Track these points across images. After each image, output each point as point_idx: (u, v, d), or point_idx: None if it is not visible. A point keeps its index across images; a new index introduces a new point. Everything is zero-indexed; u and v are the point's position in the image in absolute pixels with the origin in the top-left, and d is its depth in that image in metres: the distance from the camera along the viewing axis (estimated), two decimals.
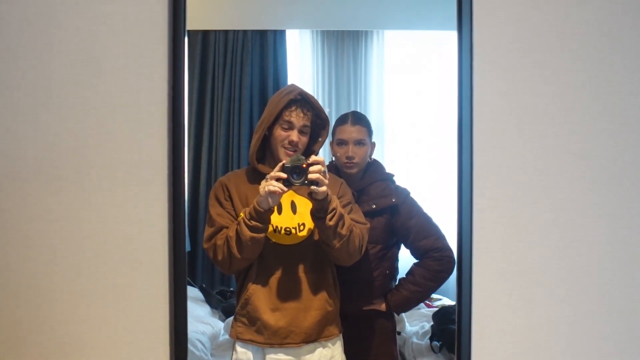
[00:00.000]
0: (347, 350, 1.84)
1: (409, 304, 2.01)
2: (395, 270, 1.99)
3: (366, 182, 1.96)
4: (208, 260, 1.76)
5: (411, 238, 1.95)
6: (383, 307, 1.95)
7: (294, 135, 1.75)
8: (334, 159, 1.98)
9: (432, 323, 2.08)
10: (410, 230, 1.95)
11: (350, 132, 1.95)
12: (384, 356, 1.98)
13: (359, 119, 1.98)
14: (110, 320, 1.61)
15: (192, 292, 2.05)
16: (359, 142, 1.95)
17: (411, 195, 1.96)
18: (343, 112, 2.03)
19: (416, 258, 1.96)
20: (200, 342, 1.93)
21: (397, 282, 1.98)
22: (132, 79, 1.59)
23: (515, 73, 1.59)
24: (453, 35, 1.59)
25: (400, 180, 1.99)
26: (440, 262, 1.92)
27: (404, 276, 1.97)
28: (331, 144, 1.98)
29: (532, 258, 1.60)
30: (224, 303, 2.09)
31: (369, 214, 1.87)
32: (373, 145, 1.99)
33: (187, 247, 1.75)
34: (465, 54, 1.57)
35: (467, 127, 1.57)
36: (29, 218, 1.60)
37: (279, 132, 1.76)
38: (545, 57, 1.59)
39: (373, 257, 1.92)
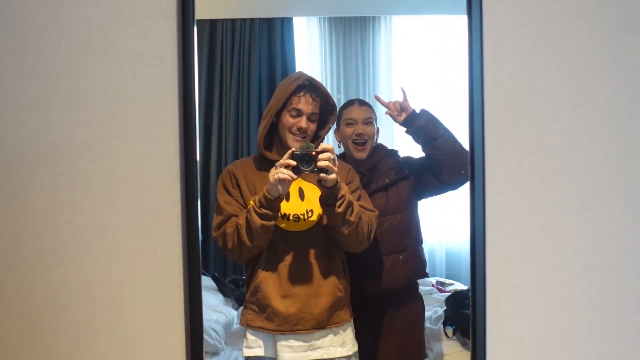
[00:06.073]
0: (372, 334, 1.86)
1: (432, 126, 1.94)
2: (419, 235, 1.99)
3: (374, 160, 1.98)
4: (220, 249, 1.77)
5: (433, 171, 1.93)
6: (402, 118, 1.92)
7: (303, 122, 1.75)
8: (340, 145, 1.98)
9: (445, 308, 2.08)
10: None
11: (359, 111, 1.98)
12: (410, 340, 1.99)
13: (365, 102, 2.01)
14: (126, 311, 1.63)
15: (205, 281, 2.05)
16: (367, 121, 1.97)
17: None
18: (352, 98, 2.03)
19: (450, 181, 1.91)
20: (214, 330, 1.94)
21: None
22: (142, 69, 1.59)
23: (526, 56, 1.58)
24: (462, 19, 1.58)
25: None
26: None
27: None
28: (336, 131, 1.98)
29: (546, 241, 1.59)
30: (236, 291, 2.10)
31: (383, 189, 1.91)
32: (378, 130, 2.00)
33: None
34: (476, 37, 1.56)
35: (479, 112, 1.57)
36: (41, 210, 1.61)
37: (287, 119, 1.76)
38: (557, 40, 1.58)
39: (397, 226, 1.93)
